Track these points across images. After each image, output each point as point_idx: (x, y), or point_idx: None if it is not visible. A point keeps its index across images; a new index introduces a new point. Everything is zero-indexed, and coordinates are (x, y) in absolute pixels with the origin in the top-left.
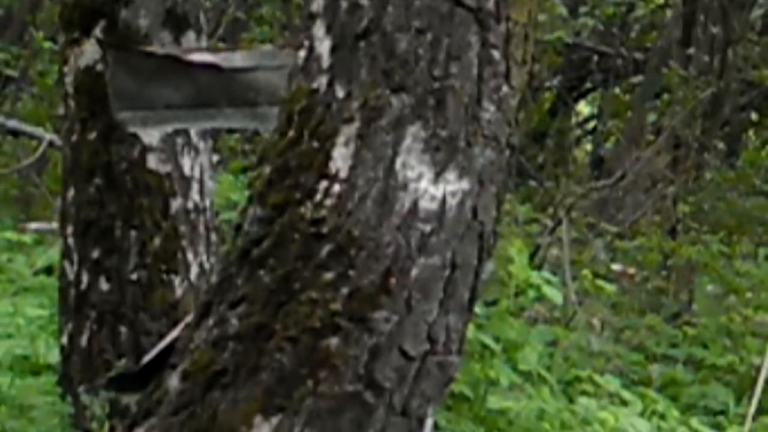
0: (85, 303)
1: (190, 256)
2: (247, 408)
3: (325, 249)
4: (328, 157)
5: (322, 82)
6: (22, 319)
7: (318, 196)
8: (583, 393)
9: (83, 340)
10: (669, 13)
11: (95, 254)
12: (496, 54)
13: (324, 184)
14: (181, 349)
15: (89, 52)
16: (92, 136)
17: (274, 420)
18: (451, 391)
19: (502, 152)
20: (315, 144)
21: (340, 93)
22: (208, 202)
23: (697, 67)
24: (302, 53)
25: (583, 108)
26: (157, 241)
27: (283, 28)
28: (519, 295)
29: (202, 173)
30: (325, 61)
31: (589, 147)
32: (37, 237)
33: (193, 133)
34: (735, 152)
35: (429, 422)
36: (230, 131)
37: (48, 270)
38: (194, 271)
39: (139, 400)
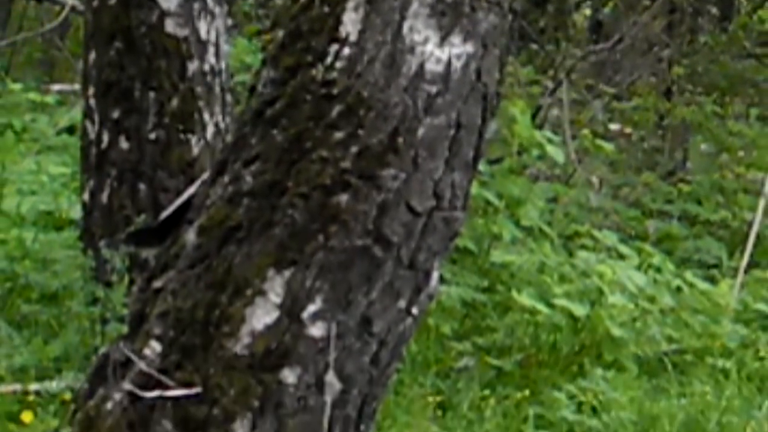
0: (106, 161)
1: (206, 116)
2: (260, 261)
3: (336, 109)
4: (338, 22)
5: None
6: (45, 176)
7: (329, 59)
8: (583, 247)
9: (104, 197)
10: None
11: (115, 114)
12: None
13: (334, 47)
14: (197, 205)
15: None
16: (112, 1)
17: (287, 273)
18: (456, 246)
19: (504, 17)
20: (326, 9)
21: None
22: (223, 65)
23: None
24: None
25: None
26: (174, 102)
27: None
28: (521, 154)
29: (217, 37)
30: None
31: (588, 12)
32: (60, 98)
33: None
34: (728, 17)
35: (435, 275)
36: None
37: (70, 129)
38: (210, 130)
39: (157, 254)
